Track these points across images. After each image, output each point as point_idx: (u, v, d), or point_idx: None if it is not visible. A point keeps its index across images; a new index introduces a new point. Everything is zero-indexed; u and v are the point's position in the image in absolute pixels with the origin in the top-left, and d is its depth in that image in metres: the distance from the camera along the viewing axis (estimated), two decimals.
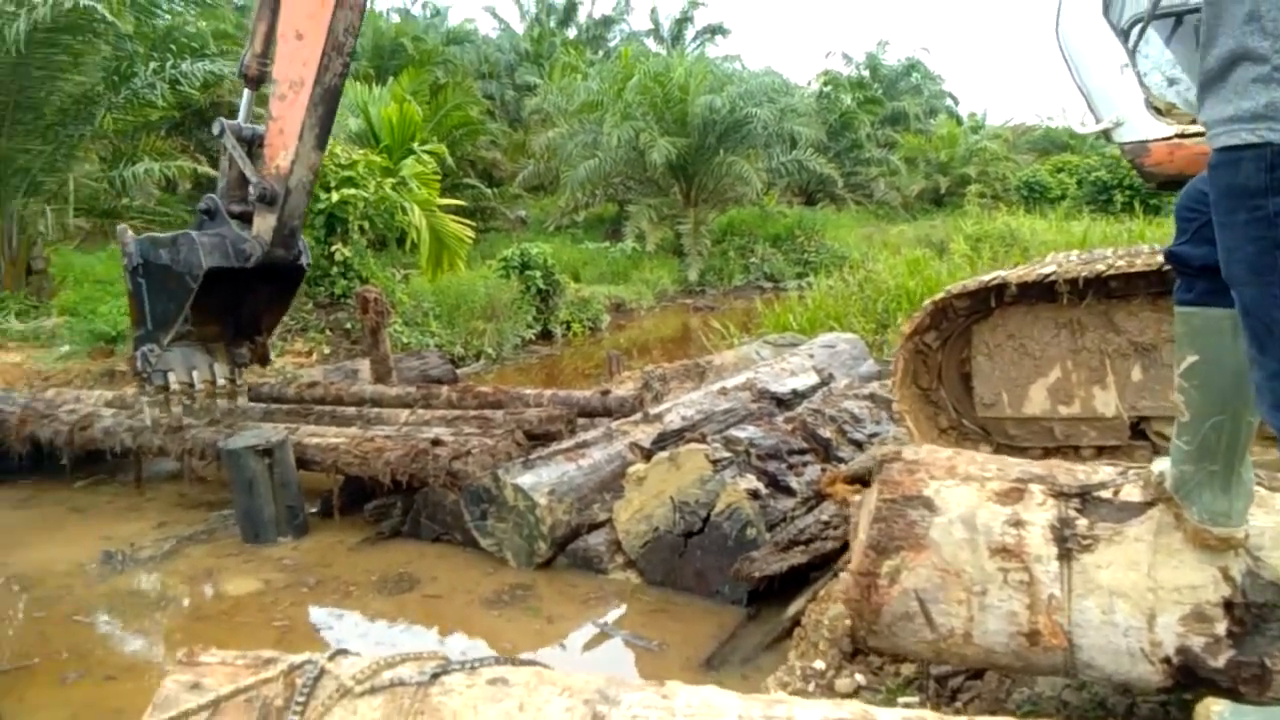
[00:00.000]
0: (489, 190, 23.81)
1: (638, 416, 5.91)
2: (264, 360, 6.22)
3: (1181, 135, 3.67)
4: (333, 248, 12.34)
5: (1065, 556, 2.13)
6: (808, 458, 5.14)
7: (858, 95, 35.46)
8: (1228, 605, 2.01)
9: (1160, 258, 3.54)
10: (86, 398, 7.63)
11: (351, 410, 6.76)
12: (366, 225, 13.16)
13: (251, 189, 5.43)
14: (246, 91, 5.73)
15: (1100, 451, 3.92)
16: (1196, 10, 3.59)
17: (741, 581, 4.18)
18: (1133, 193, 24.15)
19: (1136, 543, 2.10)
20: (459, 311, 13.50)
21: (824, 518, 4.36)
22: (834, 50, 64.93)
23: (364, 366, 9.00)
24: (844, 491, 4.51)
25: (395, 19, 30.14)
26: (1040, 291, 3.85)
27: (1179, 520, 2.09)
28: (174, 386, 5.66)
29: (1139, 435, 3.89)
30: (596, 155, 22.17)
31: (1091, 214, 23.65)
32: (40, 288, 12.14)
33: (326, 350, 11.69)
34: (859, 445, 5.42)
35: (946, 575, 2.21)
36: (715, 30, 36.03)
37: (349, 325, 12.07)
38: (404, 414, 6.41)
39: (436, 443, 5.35)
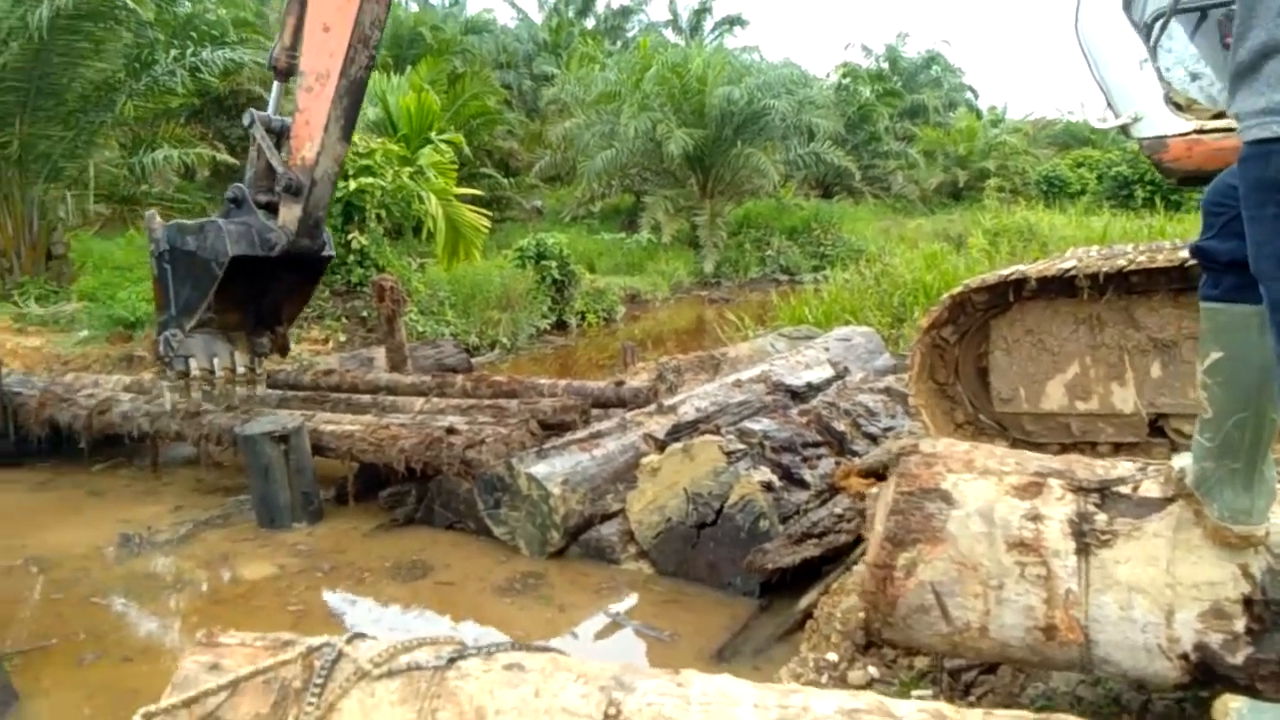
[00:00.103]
0: (505, 180, 23.82)
1: (652, 408, 5.90)
2: (284, 350, 6.27)
3: (1200, 131, 3.64)
4: (349, 236, 12.38)
5: (1083, 551, 2.12)
6: (822, 451, 5.13)
7: (877, 88, 35.25)
8: (1247, 602, 1.99)
9: (1182, 253, 3.51)
10: (105, 382, 7.69)
11: (367, 398, 6.78)
12: (383, 214, 13.19)
13: (278, 179, 5.47)
14: (276, 83, 5.78)
15: (1118, 448, 3.89)
16: (1221, 4, 3.55)
17: (754, 573, 4.18)
18: (1154, 188, 23.91)
19: (1156, 539, 2.09)
20: (474, 301, 13.52)
21: (837, 511, 4.36)
22: (853, 42, 64.41)
23: (379, 355, 9.03)
24: (858, 485, 4.50)
25: (414, 8, 30.13)
26: (1060, 286, 3.82)
27: (1199, 517, 2.07)
28: (194, 373, 5.72)
29: (1157, 432, 3.86)
30: (613, 146, 22.14)
31: (1112, 209, 23.45)
32: (60, 273, 12.22)
33: (342, 338, 11.74)
34: (873, 439, 5.39)
35: (963, 568, 2.20)
36: (734, 21, 35.85)
37: (365, 313, 12.11)
38: (419, 402, 6.43)
39: (451, 431, 5.36)
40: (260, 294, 5.97)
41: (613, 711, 1.61)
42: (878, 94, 34.55)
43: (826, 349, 7.68)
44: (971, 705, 2.41)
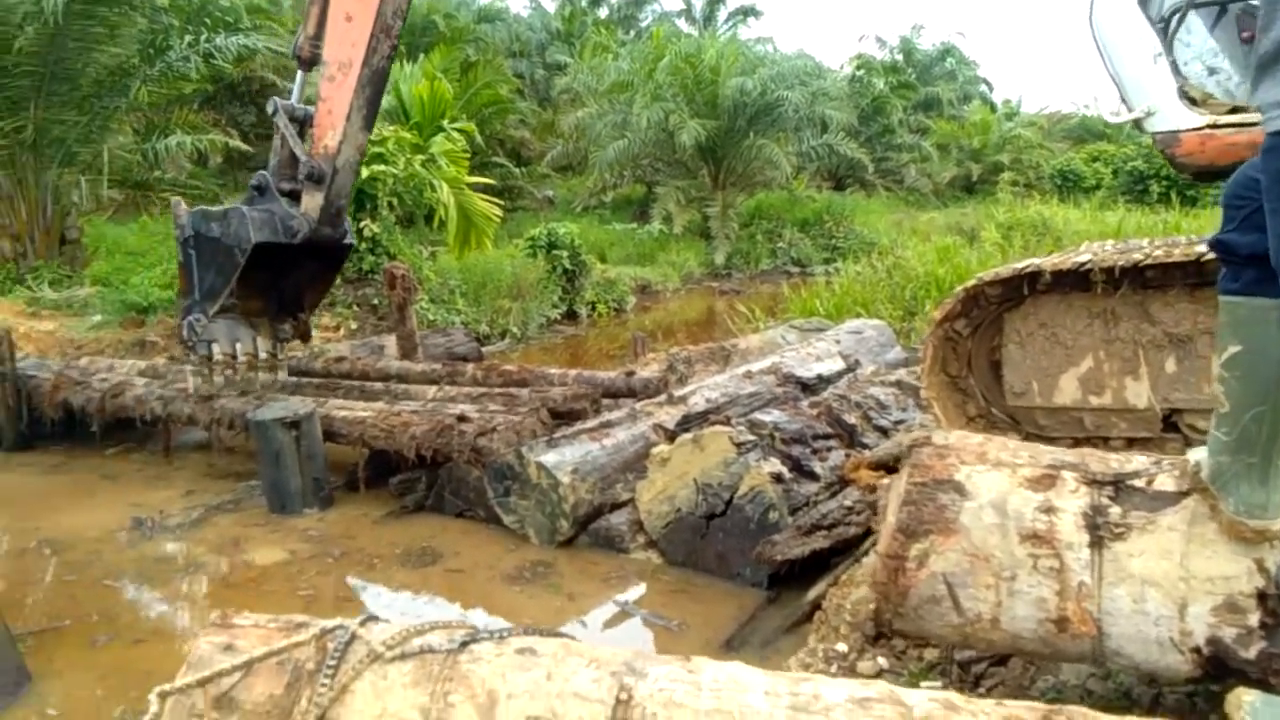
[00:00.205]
0: (517, 169, 23.79)
1: (662, 398, 5.91)
2: (305, 337, 6.33)
3: (1214, 125, 3.62)
4: (361, 223, 12.39)
5: (1097, 544, 2.11)
6: (832, 443, 5.13)
7: (891, 80, 35.07)
8: (1261, 597, 1.99)
9: (1199, 248, 3.49)
10: (120, 366, 7.74)
11: (379, 386, 6.80)
12: (395, 202, 13.20)
13: (301, 167, 5.51)
14: (299, 72, 5.81)
15: (1131, 443, 3.87)
16: None
17: (763, 564, 4.19)
18: (1169, 183, 23.74)
19: (1170, 532, 2.08)
20: (485, 290, 13.53)
21: (847, 503, 4.35)
22: (868, 34, 64.09)
23: (390, 342, 9.05)
24: (868, 477, 4.50)
25: None
26: (1074, 280, 3.80)
27: (1214, 511, 2.07)
28: (217, 357, 5.77)
29: (1171, 428, 3.84)
30: (625, 136, 22.08)
31: (1127, 204, 23.28)
32: (73, 258, 12.27)
33: (353, 325, 11.77)
34: (884, 432, 5.39)
35: (975, 560, 2.20)
36: (748, 12, 35.68)
37: (376, 301, 12.13)
38: (431, 390, 6.45)
39: (462, 419, 5.38)
40: (282, 280, 6.02)
41: (624, 696, 1.62)
42: (892, 86, 34.39)
43: (837, 341, 7.66)
44: (981, 697, 2.41)
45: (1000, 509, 2.23)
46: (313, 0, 5.66)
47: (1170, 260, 3.54)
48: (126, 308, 10.50)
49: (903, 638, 2.84)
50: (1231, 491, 2.04)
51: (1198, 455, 2.18)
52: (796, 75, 22.92)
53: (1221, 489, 2.06)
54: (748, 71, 22.00)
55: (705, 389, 6.03)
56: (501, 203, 16.48)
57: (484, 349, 11.05)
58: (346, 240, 5.87)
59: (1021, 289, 3.91)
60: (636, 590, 4.40)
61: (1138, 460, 2.31)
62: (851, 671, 2.93)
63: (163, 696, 1.68)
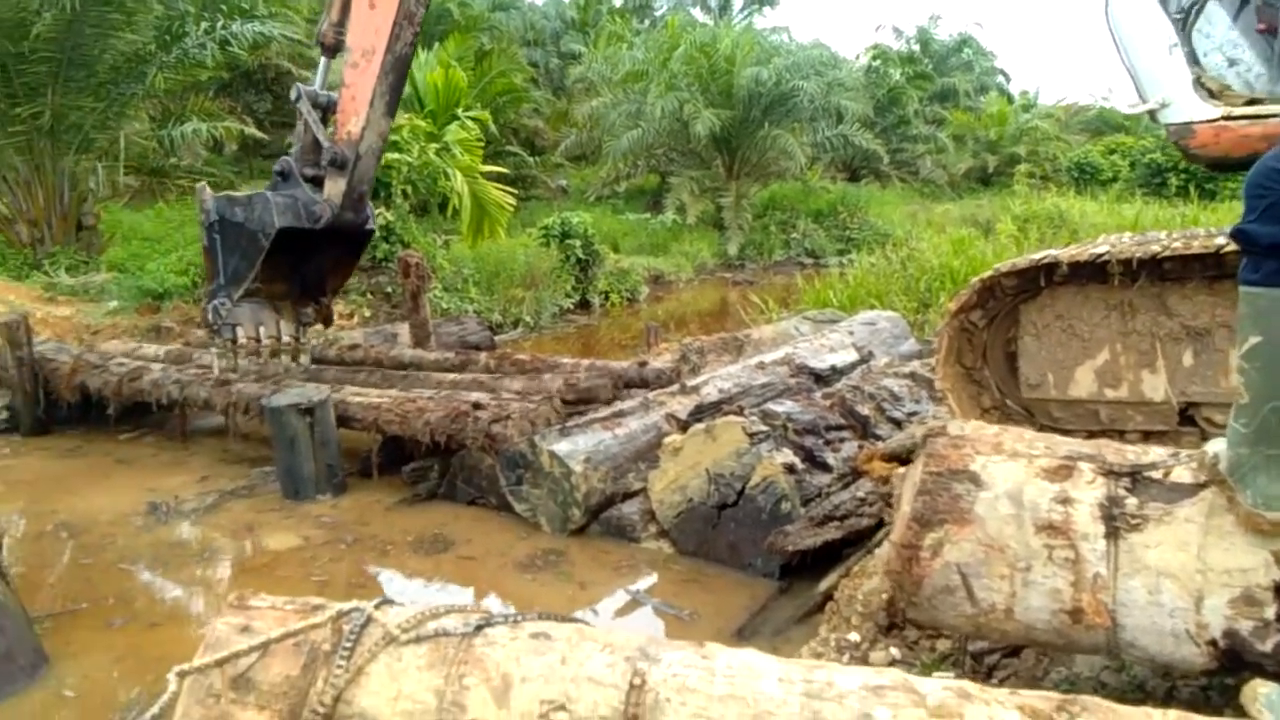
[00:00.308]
0: (531, 158, 23.80)
1: (675, 388, 5.91)
2: (327, 321, 6.39)
3: (1228, 117, 3.58)
4: (376, 212, 12.40)
5: (1113, 535, 2.10)
6: (845, 434, 5.12)
7: (907, 70, 34.89)
8: (1278, 589, 1.97)
9: (1218, 240, 3.45)
10: (147, 350, 7.85)
11: (399, 373, 6.83)
12: (409, 190, 13.22)
13: (324, 154, 5.54)
14: (323, 59, 5.84)
15: (1147, 437, 3.85)
16: None
17: (775, 555, 4.19)
18: (1187, 176, 23.53)
19: (1187, 524, 2.07)
20: (498, 279, 13.55)
21: (860, 494, 4.35)
22: (884, 24, 63.62)
23: (403, 330, 9.08)
24: (881, 469, 4.49)
25: None
26: (1092, 272, 3.77)
27: (1231, 503, 2.05)
28: (241, 340, 5.81)
29: (1188, 421, 3.81)
30: (639, 125, 22.02)
31: (1144, 197, 23.10)
32: (90, 243, 12.34)
33: (367, 313, 11.80)
34: (897, 423, 5.37)
35: (990, 550, 2.19)
36: (763, 1, 35.51)
37: (390, 289, 12.16)
38: (450, 378, 6.48)
39: (477, 405, 5.39)
40: (305, 265, 6.06)
41: (638, 681, 1.62)
42: (908, 77, 34.21)
43: (851, 333, 7.64)
44: (995, 688, 2.41)
45: (1016, 499, 2.22)
46: None
47: (1189, 252, 3.50)
48: (142, 294, 10.57)
49: (916, 628, 2.83)
50: (1250, 484, 2.03)
51: (1216, 447, 2.16)
52: (812, 65, 22.82)
53: (1239, 481, 2.05)
54: (763, 61, 21.89)
55: (718, 379, 6.03)
56: (515, 192, 16.49)
57: (497, 338, 11.08)
58: (369, 225, 5.92)
59: (1038, 280, 3.88)
60: (648, 579, 4.41)
61: (1155, 452, 2.30)
62: (864, 661, 2.93)
63: (181, 676, 1.69)
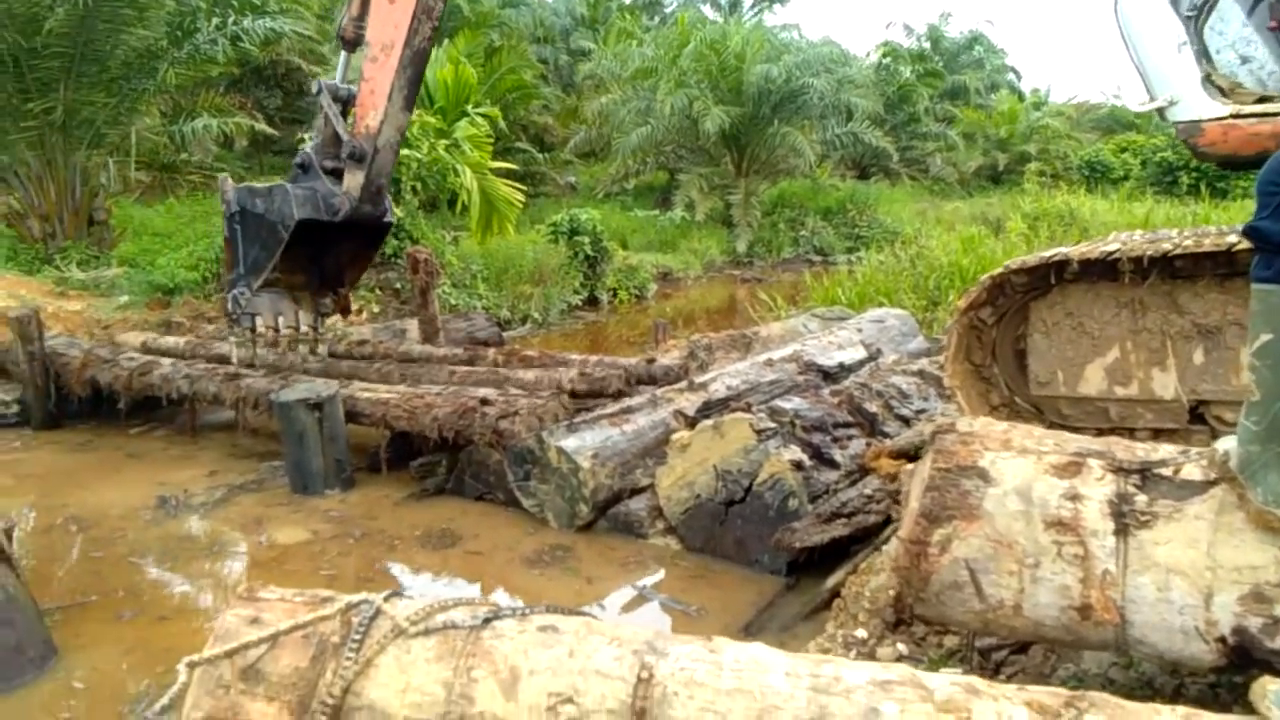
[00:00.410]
0: (540, 155, 23.77)
1: (683, 384, 5.90)
2: (345, 311, 6.45)
3: (1237, 115, 3.57)
4: None
5: (1122, 532, 2.10)
6: (853, 431, 5.12)
7: (917, 68, 34.74)
8: None
9: (1229, 238, 3.44)
10: (165, 341, 7.91)
11: (414, 365, 6.85)
12: (419, 186, 13.21)
13: (343, 147, 5.57)
14: (343, 53, 5.88)
15: (1157, 435, 3.83)
16: None
17: (782, 551, 4.19)
18: (1199, 175, 23.42)
19: (1197, 521, 2.06)
20: (507, 275, 13.56)
21: (867, 491, 4.34)
22: (895, 21, 63.13)
23: (412, 326, 9.10)
24: (888, 466, 4.48)
25: None
26: (1102, 269, 3.75)
27: (1242, 501, 2.05)
28: (260, 329, 5.85)
29: (1197, 420, 3.79)
30: (649, 122, 22.01)
31: (1155, 196, 23.01)
32: (101, 238, 12.38)
33: (376, 309, 11.82)
34: (905, 421, 5.36)
35: (999, 546, 2.19)
36: None
37: (399, 285, 12.18)
38: (462, 370, 6.50)
39: (484, 401, 5.40)
40: (324, 256, 6.10)
41: (645, 674, 1.62)
42: (918, 74, 34.08)
43: (859, 330, 7.63)
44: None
45: (1025, 495, 2.21)
46: None
47: (1200, 250, 3.49)
48: (153, 288, 10.61)
49: (924, 623, 2.83)
50: (1260, 481, 2.02)
51: (1226, 444, 2.16)
52: (822, 62, 22.76)
53: (1250, 478, 2.04)
54: (773, 58, 21.85)
55: (726, 376, 6.02)
56: (524, 188, 16.48)
57: (505, 334, 11.09)
58: (387, 218, 5.96)
59: (1048, 278, 3.87)
60: (655, 575, 4.42)
61: (1165, 449, 2.29)
62: (871, 657, 2.93)
63: (191, 666, 1.70)
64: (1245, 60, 3.75)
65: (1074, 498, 2.16)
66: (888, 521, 4.10)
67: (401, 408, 5.63)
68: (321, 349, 6.47)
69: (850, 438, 5.03)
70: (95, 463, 6.46)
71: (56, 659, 3.62)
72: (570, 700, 1.62)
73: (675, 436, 4.84)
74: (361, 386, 6.14)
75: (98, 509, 5.42)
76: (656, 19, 34.34)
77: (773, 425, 4.75)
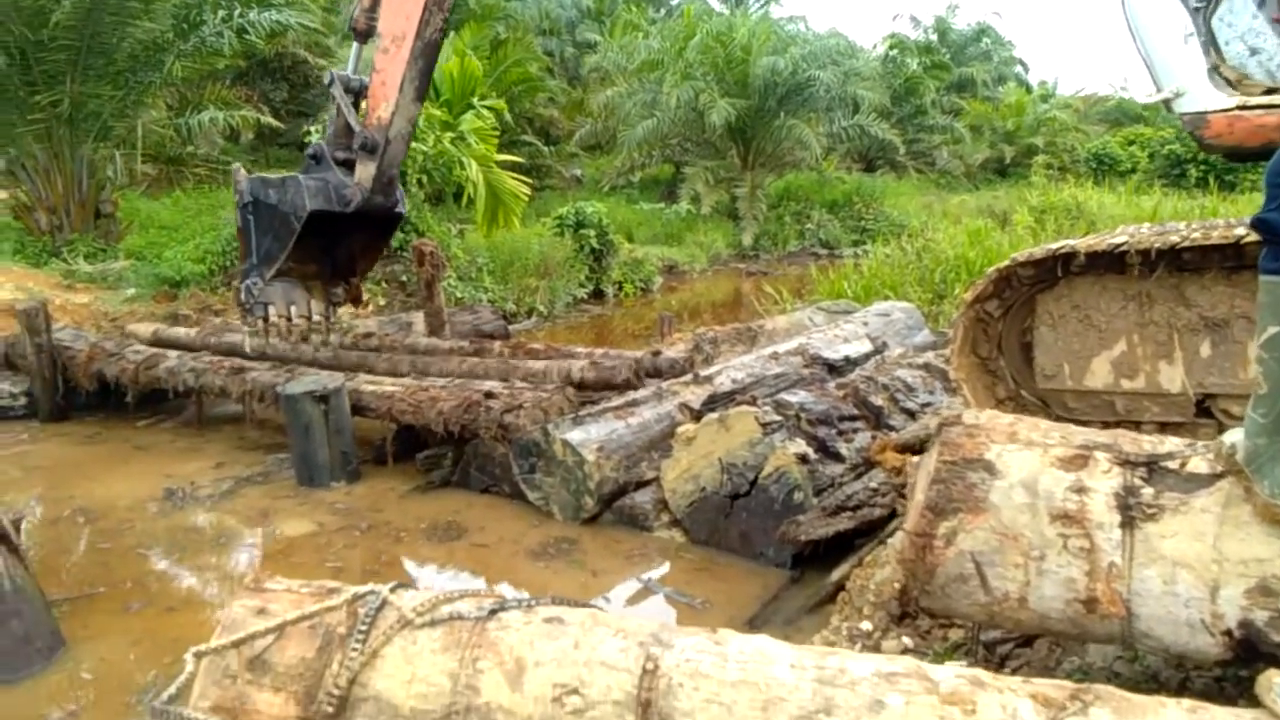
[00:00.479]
0: (546, 148, 23.74)
1: (688, 378, 5.90)
2: (357, 301, 6.48)
3: (1243, 107, 3.55)
4: None
5: (1128, 525, 2.09)
6: (858, 425, 5.11)
7: (924, 60, 34.58)
8: None
9: (1237, 231, 3.42)
10: (175, 331, 7.94)
11: (423, 356, 6.86)
12: (424, 179, 13.23)
13: (355, 138, 5.59)
14: (355, 44, 5.90)
15: (1163, 428, 3.82)
16: None
17: (787, 544, 4.19)
18: (1207, 168, 23.30)
19: (1203, 514, 2.06)
20: (512, 268, 13.57)
21: (872, 485, 4.34)
22: (902, 13, 62.91)
23: (418, 319, 9.10)
24: (894, 459, 4.49)
25: None
26: (1109, 262, 3.74)
27: (1249, 494, 2.04)
28: (273, 319, 5.88)
29: (1204, 413, 3.78)
30: (655, 115, 21.96)
31: (1163, 188, 22.86)
32: (108, 231, 12.42)
33: (382, 301, 11.84)
34: (911, 414, 5.36)
35: (1004, 539, 2.18)
36: None
37: (404, 278, 12.19)
38: (469, 363, 6.52)
39: (489, 395, 5.41)
40: (336, 247, 6.13)
41: (650, 666, 1.63)
42: (925, 66, 33.92)
43: (865, 324, 7.62)
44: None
45: (1030, 488, 2.21)
46: None
47: (1207, 243, 3.48)
48: (160, 281, 10.64)
49: (929, 616, 2.83)
50: (1267, 474, 2.02)
51: (1233, 437, 2.15)
52: (828, 55, 22.65)
53: (1257, 471, 2.04)
54: (779, 50, 21.76)
55: (731, 369, 6.02)
56: (530, 181, 16.48)
57: (511, 327, 11.09)
58: (398, 209, 5.98)
59: (1055, 270, 3.86)
60: (660, 568, 4.42)
61: (1171, 442, 2.28)
62: (876, 650, 2.93)
63: (198, 656, 1.71)
64: (1255, 52, 3.73)
65: (1080, 490, 2.16)
66: (893, 515, 4.11)
67: (407, 401, 5.64)
68: (334, 338, 6.49)
69: (855, 431, 5.02)
70: (103, 455, 6.48)
71: (64, 650, 3.64)
72: (576, 691, 1.62)
73: (680, 430, 4.84)
74: (367, 380, 6.15)
75: (105, 501, 5.44)
76: (662, 11, 34.23)
77: (778, 419, 4.75)
